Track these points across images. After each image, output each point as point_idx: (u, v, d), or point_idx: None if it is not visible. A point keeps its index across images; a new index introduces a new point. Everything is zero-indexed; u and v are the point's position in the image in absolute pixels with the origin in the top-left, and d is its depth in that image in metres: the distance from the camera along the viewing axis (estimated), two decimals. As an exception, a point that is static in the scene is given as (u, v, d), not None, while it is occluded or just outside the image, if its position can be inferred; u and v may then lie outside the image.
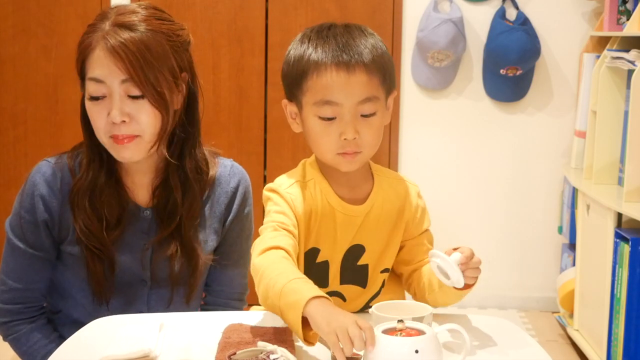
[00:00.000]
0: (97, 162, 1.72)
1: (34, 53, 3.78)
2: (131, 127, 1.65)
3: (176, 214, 1.74)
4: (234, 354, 1.32)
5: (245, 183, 1.84)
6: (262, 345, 1.34)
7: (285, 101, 1.62)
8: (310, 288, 1.35)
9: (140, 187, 1.77)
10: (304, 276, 1.41)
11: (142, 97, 1.64)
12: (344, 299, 1.63)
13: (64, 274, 1.75)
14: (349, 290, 1.64)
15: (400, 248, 1.68)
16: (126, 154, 1.67)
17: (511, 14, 3.76)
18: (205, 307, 1.89)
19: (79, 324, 1.63)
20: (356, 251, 1.62)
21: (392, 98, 1.62)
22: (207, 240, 1.79)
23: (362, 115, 1.54)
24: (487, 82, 3.82)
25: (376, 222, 1.62)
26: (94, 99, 1.65)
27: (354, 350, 1.34)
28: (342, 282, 1.63)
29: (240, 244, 1.85)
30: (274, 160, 3.83)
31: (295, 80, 1.57)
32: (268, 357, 1.29)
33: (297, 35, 1.62)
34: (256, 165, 3.85)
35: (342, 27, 1.58)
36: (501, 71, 3.73)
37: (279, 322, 1.53)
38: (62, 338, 1.73)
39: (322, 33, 1.57)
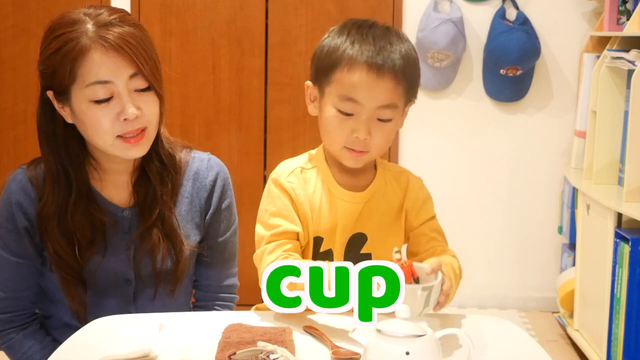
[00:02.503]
0: (62, 182, 1.69)
1: (34, 53, 3.76)
2: (141, 121, 1.64)
3: (156, 203, 1.74)
4: (234, 354, 1.32)
5: (224, 175, 1.84)
6: (262, 345, 1.34)
7: (309, 83, 1.64)
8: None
9: (118, 188, 1.76)
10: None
11: (148, 89, 1.64)
12: None
13: (50, 280, 1.74)
14: None
15: (407, 240, 1.70)
16: (138, 151, 1.67)
17: (511, 14, 3.76)
18: (196, 303, 1.89)
19: (71, 328, 1.63)
20: (358, 239, 1.63)
21: (410, 105, 1.65)
22: (190, 235, 1.79)
23: (379, 119, 1.57)
24: (487, 82, 3.82)
25: (377, 211, 1.65)
26: (101, 101, 1.62)
27: (353, 350, 1.34)
28: None
29: (224, 238, 1.85)
30: (274, 161, 3.82)
31: (325, 68, 1.58)
32: (268, 357, 1.30)
33: (335, 25, 1.63)
34: (256, 165, 3.85)
35: (383, 29, 1.59)
36: (501, 71, 3.73)
37: (278, 322, 1.53)
38: (55, 342, 1.73)
39: (362, 30, 1.58)
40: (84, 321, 1.71)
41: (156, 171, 1.75)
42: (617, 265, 2.90)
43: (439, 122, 3.89)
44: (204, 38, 3.80)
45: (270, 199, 1.62)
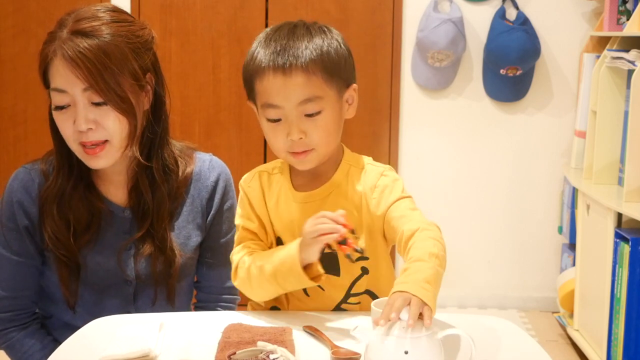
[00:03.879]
0: (65, 168, 1.72)
1: (34, 53, 3.76)
2: (98, 133, 1.64)
3: (149, 214, 1.75)
4: (234, 353, 1.33)
5: (226, 177, 1.84)
6: (261, 345, 1.34)
7: (248, 101, 1.66)
8: (288, 248, 1.53)
9: (119, 188, 1.77)
10: (275, 249, 1.60)
11: (105, 103, 1.63)
12: (322, 289, 1.63)
13: (50, 279, 1.75)
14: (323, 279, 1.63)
15: (391, 242, 1.65)
16: (97, 162, 1.68)
17: (511, 14, 3.76)
18: (198, 304, 1.89)
19: (72, 327, 1.63)
20: None
21: (351, 91, 1.62)
22: (191, 236, 1.79)
23: (307, 115, 1.55)
24: (487, 82, 3.81)
25: (336, 207, 1.60)
26: (59, 108, 1.64)
27: (354, 349, 1.34)
28: None
29: (226, 239, 1.85)
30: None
31: (247, 84, 1.63)
32: (268, 357, 1.30)
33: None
34: (256, 165, 3.83)
35: (288, 29, 1.60)
36: (501, 71, 3.73)
37: (278, 322, 1.53)
38: (56, 342, 1.73)
39: (269, 35, 1.60)
40: (74, 311, 1.74)
41: (149, 185, 1.75)
42: (617, 265, 2.90)
43: (439, 122, 3.89)
44: (204, 38, 3.79)
45: (238, 204, 1.70)
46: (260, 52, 1.58)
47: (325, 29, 1.62)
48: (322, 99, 1.56)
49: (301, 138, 1.55)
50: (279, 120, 1.56)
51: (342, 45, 1.61)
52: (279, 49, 1.55)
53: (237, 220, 1.67)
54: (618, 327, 2.90)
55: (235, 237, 1.67)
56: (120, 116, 1.64)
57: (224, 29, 3.80)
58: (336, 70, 1.58)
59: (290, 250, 1.52)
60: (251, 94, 1.62)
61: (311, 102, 1.55)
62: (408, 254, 1.43)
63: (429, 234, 1.46)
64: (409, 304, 1.26)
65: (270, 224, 1.65)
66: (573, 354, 3.37)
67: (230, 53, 3.81)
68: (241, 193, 1.68)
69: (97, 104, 1.63)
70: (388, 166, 1.67)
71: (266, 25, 3.78)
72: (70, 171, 1.72)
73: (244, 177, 1.71)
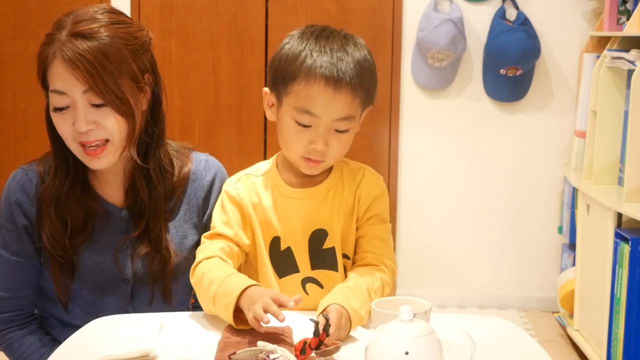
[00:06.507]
0: (63, 169, 1.72)
1: (34, 53, 3.76)
2: (98, 133, 1.64)
3: (145, 214, 1.75)
4: (234, 353, 1.33)
5: (222, 176, 1.85)
6: (262, 345, 1.34)
7: (266, 89, 1.65)
8: (235, 284, 1.48)
9: (115, 188, 1.77)
10: (231, 272, 1.55)
11: (105, 105, 1.63)
12: (320, 286, 1.64)
13: (48, 279, 1.75)
14: (322, 275, 1.66)
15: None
16: (98, 163, 1.67)
17: (511, 14, 3.76)
18: (196, 304, 1.89)
19: (70, 327, 1.64)
20: (320, 235, 1.65)
21: (367, 111, 1.66)
22: (187, 235, 1.79)
23: (336, 130, 1.58)
24: (487, 82, 3.82)
25: (334, 206, 1.65)
26: (58, 109, 1.64)
27: (335, 338, 1.37)
28: (313, 267, 1.66)
29: None
30: (274, 160, 3.83)
31: (283, 77, 1.58)
32: (268, 356, 1.30)
33: (297, 29, 1.63)
34: (256, 165, 3.85)
35: (340, 38, 1.60)
36: (501, 71, 3.73)
37: (278, 322, 1.53)
38: (55, 341, 1.74)
39: (321, 40, 1.58)
40: (67, 310, 1.74)
41: (144, 185, 1.75)
42: (617, 265, 2.90)
43: (439, 122, 3.89)
44: (204, 38, 3.80)
45: (218, 207, 1.69)
46: (313, 56, 1.55)
47: (363, 43, 1.62)
48: (354, 118, 1.60)
49: (323, 149, 1.58)
50: (308, 126, 1.57)
51: (374, 65, 1.63)
52: (335, 59, 1.55)
53: (217, 226, 1.65)
54: (618, 327, 2.90)
55: (206, 235, 1.66)
56: (119, 117, 1.64)
57: (224, 29, 3.80)
58: (371, 90, 1.61)
59: (234, 290, 1.48)
60: (280, 88, 1.59)
61: (346, 121, 1.58)
62: (357, 271, 1.61)
63: (383, 277, 1.61)
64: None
65: (258, 224, 1.65)
66: (573, 354, 3.37)
67: (230, 53, 3.81)
68: (224, 198, 1.68)
69: (97, 106, 1.62)
70: (381, 176, 1.72)
71: (266, 25, 3.79)
72: (67, 172, 1.72)
73: (227, 181, 1.71)
